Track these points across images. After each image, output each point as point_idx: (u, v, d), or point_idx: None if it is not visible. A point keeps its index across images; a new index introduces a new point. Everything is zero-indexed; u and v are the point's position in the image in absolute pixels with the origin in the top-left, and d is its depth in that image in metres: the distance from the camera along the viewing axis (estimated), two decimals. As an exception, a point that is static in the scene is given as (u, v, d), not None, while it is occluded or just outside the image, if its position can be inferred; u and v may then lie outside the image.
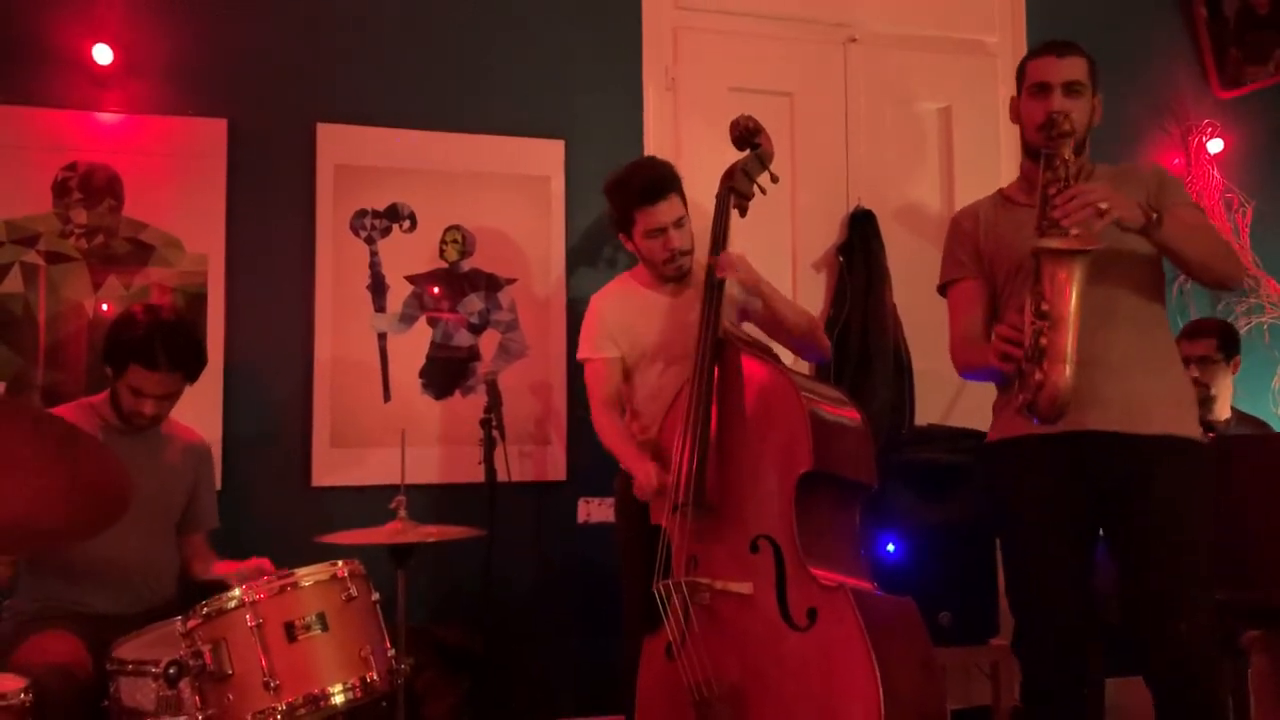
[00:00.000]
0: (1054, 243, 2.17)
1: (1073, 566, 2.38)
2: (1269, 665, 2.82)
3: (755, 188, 2.85)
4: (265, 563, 2.65)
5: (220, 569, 2.81)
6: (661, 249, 2.83)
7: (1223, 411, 3.63)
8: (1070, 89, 2.41)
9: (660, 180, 2.84)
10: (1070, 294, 2.13)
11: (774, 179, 2.87)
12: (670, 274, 2.88)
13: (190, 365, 2.75)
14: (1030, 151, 2.48)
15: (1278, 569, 2.62)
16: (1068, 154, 2.29)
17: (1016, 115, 2.53)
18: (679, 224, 2.83)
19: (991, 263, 2.55)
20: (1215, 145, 4.18)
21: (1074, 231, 2.16)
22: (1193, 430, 2.37)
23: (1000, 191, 2.64)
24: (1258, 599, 2.63)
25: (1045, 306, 2.15)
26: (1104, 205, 2.15)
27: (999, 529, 2.59)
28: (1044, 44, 2.51)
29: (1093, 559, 2.43)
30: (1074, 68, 2.43)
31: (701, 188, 2.96)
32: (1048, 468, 2.35)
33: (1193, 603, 2.24)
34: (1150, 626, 2.27)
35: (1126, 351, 2.33)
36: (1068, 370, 2.13)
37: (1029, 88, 2.47)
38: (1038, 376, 2.15)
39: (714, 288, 2.68)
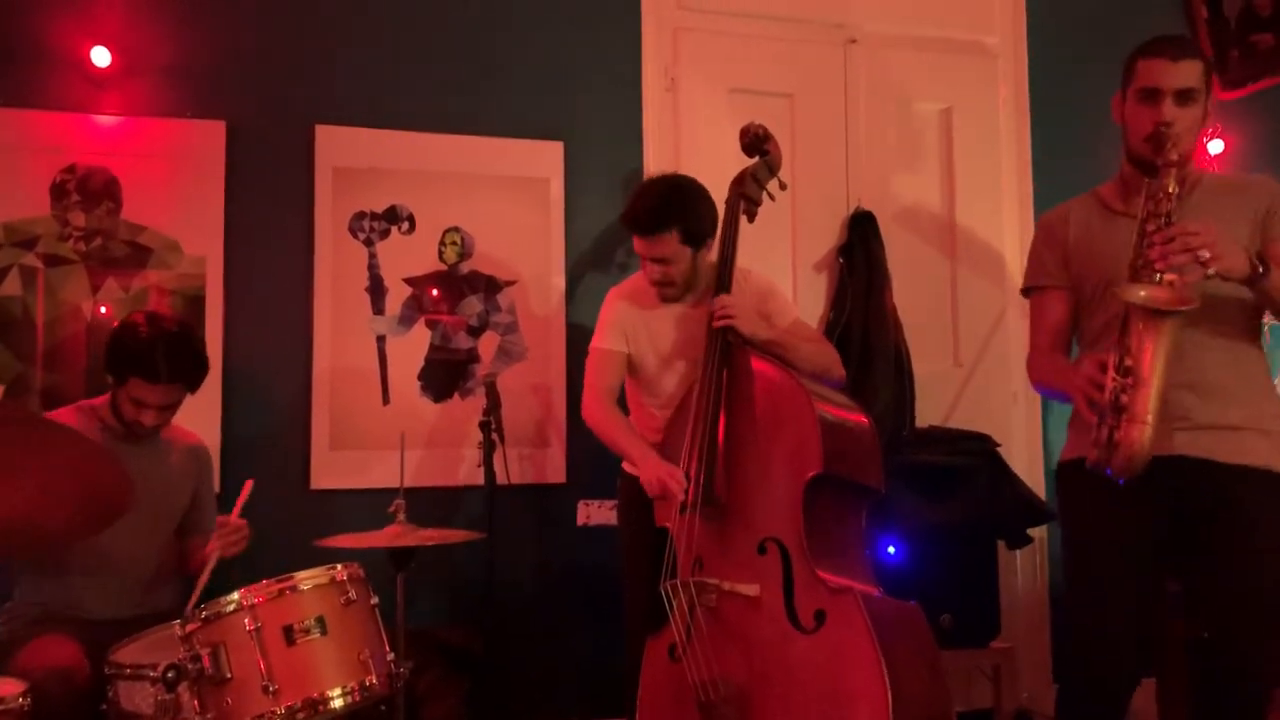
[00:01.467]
0: (1144, 295, 2.03)
1: (1134, 596, 2.27)
2: None
3: (764, 194, 2.85)
4: (220, 518, 2.68)
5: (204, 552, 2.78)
6: (652, 271, 2.82)
7: None
8: (1182, 97, 2.23)
9: (654, 215, 2.74)
10: (1157, 354, 2.02)
11: (783, 186, 2.87)
12: (664, 297, 2.87)
13: (192, 376, 2.74)
14: (1134, 159, 2.32)
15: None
16: (1172, 186, 2.13)
17: (1121, 115, 2.34)
18: (662, 260, 2.77)
19: (1080, 272, 2.42)
20: (1216, 146, 4.17)
21: (1168, 277, 2.03)
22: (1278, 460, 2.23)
23: (1096, 193, 2.46)
24: None
25: (1130, 362, 2.04)
26: (1205, 254, 2.00)
27: (1066, 549, 2.46)
28: (1157, 41, 2.30)
29: (1161, 587, 2.34)
30: (1188, 73, 2.23)
31: (702, 189, 2.95)
32: (1115, 493, 2.17)
33: (1266, 649, 2.16)
34: (1218, 667, 2.20)
35: (1219, 376, 2.23)
36: (1146, 433, 2.02)
37: (1136, 91, 2.27)
38: (1116, 436, 2.04)
39: (716, 333, 2.64)
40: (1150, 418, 2.03)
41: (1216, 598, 2.22)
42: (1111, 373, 2.06)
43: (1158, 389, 2.03)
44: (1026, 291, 2.55)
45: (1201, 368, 2.21)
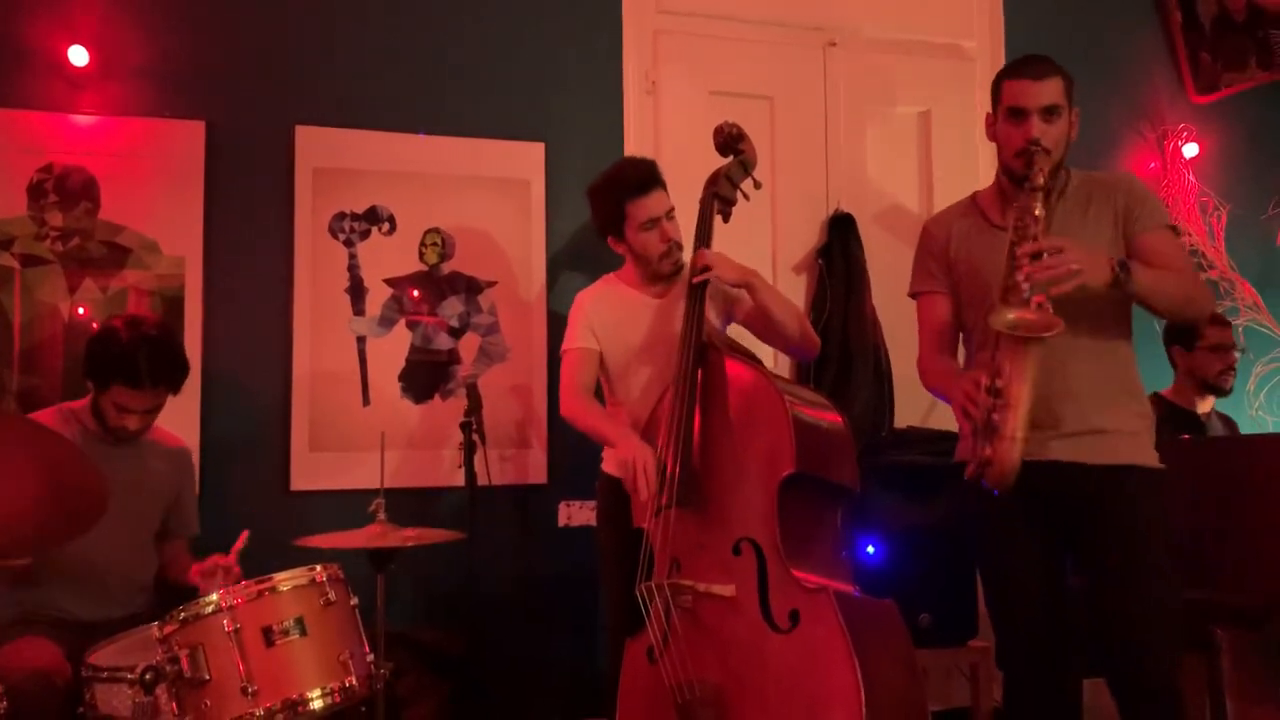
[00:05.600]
0: (1011, 319, 2.17)
1: (1042, 580, 2.44)
2: (1231, 662, 2.87)
3: (738, 193, 2.87)
4: (219, 558, 2.66)
5: (193, 572, 2.79)
6: (658, 241, 2.84)
7: (1205, 404, 3.69)
8: (1047, 114, 2.37)
9: (650, 173, 2.87)
10: (1024, 377, 2.17)
11: (757, 185, 2.88)
12: (666, 269, 2.88)
13: (175, 379, 2.74)
14: (1007, 173, 2.47)
15: (1246, 569, 2.69)
16: (1039, 210, 2.26)
17: (993, 133, 2.50)
18: (670, 216, 2.86)
19: (960, 282, 2.57)
20: (1190, 149, 4.22)
21: (1035, 299, 2.17)
22: (1149, 459, 2.41)
23: (975, 200, 2.62)
24: (1223, 598, 2.70)
25: (1000, 383, 2.19)
26: (1075, 269, 2.15)
27: (975, 548, 2.65)
28: (1020, 63, 2.46)
29: (1063, 568, 2.48)
30: (1051, 90, 2.38)
31: (682, 191, 2.96)
32: (1005, 499, 2.33)
33: (1155, 629, 2.32)
34: (1115, 653, 2.35)
35: (1088, 385, 2.38)
36: (1016, 449, 2.18)
37: (1005, 110, 2.42)
38: (987, 452, 2.20)
39: (696, 291, 2.68)
40: (1019, 434, 2.18)
41: (1101, 585, 2.37)
42: (984, 391, 2.21)
43: (1024, 409, 2.18)
44: (914, 295, 2.70)
45: (1073, 375, 2.35)
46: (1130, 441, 2.40)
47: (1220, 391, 3.65)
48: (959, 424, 2.39)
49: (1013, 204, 2.39)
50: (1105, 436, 2.38)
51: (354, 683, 2.28)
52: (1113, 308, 2.40)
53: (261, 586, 2.26)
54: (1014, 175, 2.42)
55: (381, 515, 2.66)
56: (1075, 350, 2.34)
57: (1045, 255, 2.17)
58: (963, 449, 2.57)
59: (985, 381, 2.21)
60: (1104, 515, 2.37)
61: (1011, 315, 2.18)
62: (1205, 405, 3.67)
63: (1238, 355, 3.69)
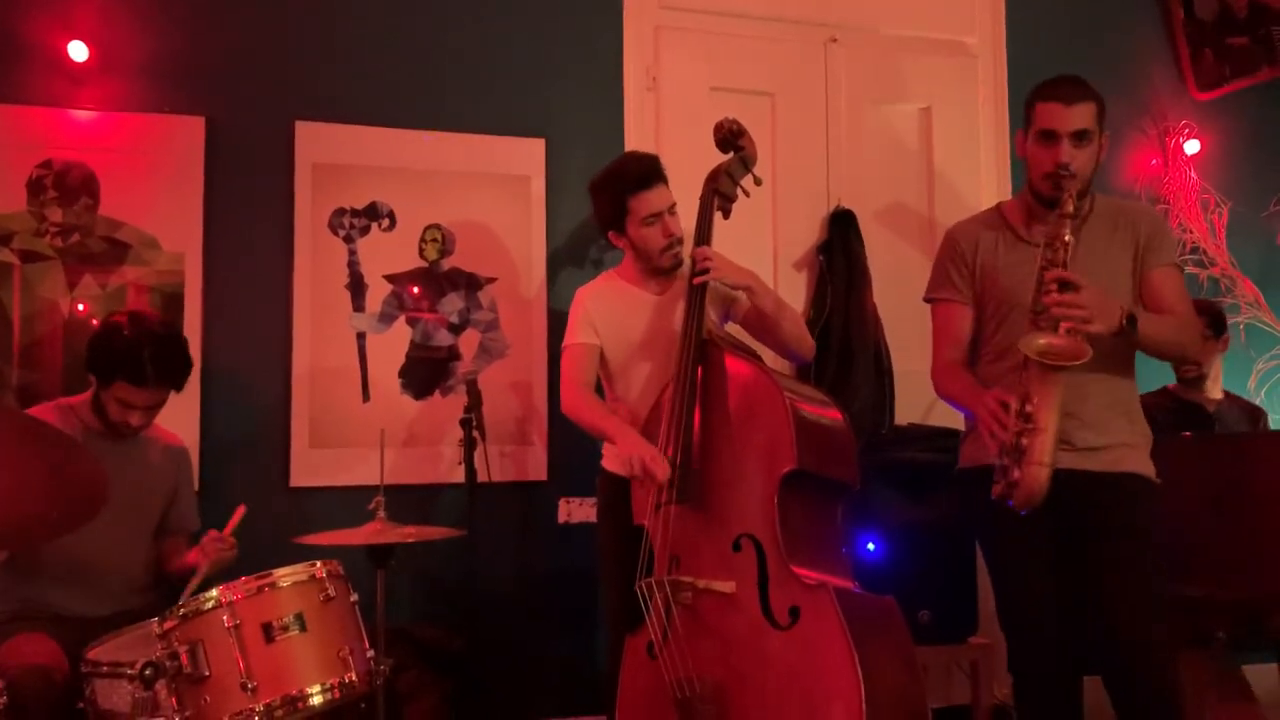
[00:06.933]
0: (1042, 345, 2.23)
1: (1052, 582, 2.46)
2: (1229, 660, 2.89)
3: (738, 190, 2.87)
4: (214, 534, 2.73)
5: (190, 554, 2.79)
6: (660, 235, 2.83)
7: (1214, 391, 3.68)
8: (1078, 138, 2.42)
9: (652, 168, 2.86)
10: (1052, 402, 2.23)
11: (757, 181, 2.88)
12: (667, 263, 2.87)
13: (178, 378, 2.74)
14: (1035, 193, 2.51)
15: (1245, 567, 2.70)
16: (1068, 235, 2.32)
17: (1024, 150, 2.54)
18: (672, 211, 2.85)
19: (983, 292, 2.59)
20: (1192, 146, 4.21)
21: (1065, 326, 2.24)
22: (1148, 470, 2.50)
23: (1001, 213, 2.65)
24: (1222, 596, 2.71)
25: (1030, 409, 2.24)
26: (1087, 316, 2.24)
27: (984, 552, 2.67)
28: (1054, 84, 2.48)
29: (1073, 570, 2.49)
30: (1082, 115, 2.42)
31: (682, 188, 2.95)
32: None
33: (1158, 624, 2.37)
34: (1120, 647, 2.38)
35: (1098, 408, 2.46)
36: (1045, 474, 2.23)
37: (1037, 132, 2.46)
38: (1015, 474, 2.25)
39: (696, 290, 2.68)
40: (1048, 459, 2.23)
41: (1103, 580, 2.41)
42: (1014, 414, 2.26)
43: (1053, 434, 2.24)
44: (930, 300, 2.71)
45: (1083, 399, 2.42)
46: (1132, 453, 2.49)
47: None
48: (989, 449, 2.41)
49: (1040, 221, 2.44)
50: (1110, 450, 2.46)
51: (354, 679, 2.28)
52: (1123, 343, 2.44)
53: (261, 582, 2.26)
54: (1041, 196, 2.47)
55: (381, 512, 2.66)
56: (1087, 379, 2.39)
57: (1068, 289, 2.25)
58: (970, 454, 2.59)
59: (1014, 405, 2.26)
60: (1108, 513, 2.42)
61: (1042, 341, 2.24)
62: (1216, 394, 3.67)
63: (1212, 343, 3.67)
